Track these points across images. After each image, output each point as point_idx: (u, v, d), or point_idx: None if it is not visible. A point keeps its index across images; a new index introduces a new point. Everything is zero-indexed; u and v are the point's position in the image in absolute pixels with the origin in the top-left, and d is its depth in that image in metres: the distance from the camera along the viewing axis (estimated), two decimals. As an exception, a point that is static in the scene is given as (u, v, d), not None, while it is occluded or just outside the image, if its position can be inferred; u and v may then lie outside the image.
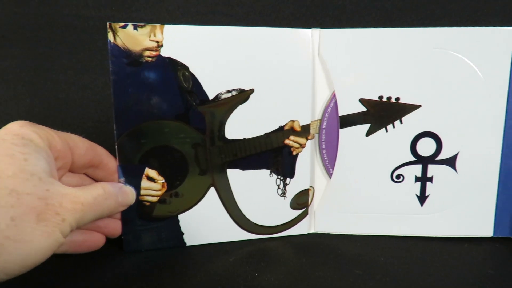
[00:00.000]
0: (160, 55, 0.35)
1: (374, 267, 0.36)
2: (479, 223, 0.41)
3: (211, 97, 0.37)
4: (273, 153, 0.39)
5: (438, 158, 0.40)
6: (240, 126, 0.38)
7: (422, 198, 0.41)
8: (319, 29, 0.38)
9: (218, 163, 0.38)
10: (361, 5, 0.46)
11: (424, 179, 0.41)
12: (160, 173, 0.37)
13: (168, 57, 0.35)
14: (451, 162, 0.40)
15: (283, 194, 0.40)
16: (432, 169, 0.40)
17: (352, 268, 0.36)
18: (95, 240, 0.35)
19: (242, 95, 0.37)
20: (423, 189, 0.41)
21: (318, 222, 0.42)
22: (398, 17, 0.47)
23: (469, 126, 0.39)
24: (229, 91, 0.37)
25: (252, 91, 0.38)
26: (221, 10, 0.46)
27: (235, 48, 0.36)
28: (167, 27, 0.35)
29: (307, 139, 0.40)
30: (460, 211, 0.41)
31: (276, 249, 0.39)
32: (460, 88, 0.39)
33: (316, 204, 0.42)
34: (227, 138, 0.38)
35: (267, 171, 0.39)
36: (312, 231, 0.43)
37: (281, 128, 0.39)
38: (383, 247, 0.39)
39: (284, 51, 0.38)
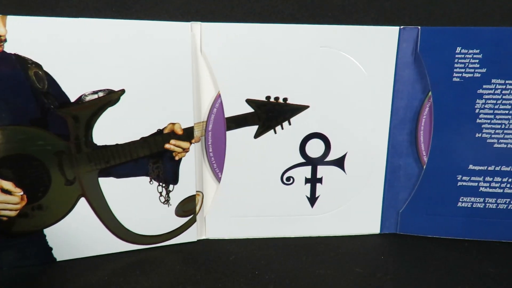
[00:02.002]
0: (4, 51, 0.30)
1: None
2: (367, 221, 0.41)
3: (72, 99, 0.33)
4: (152, 159, 0.36)
5: (327, 159, 0.40)
6: (111, 130, 0.34)
7: (312, 199, 0.41)
8: (199, 22, 0.35)
9: (88, 172, 0.34)
10: (360, 5, 0.44)
11: (314, 181, 0.40)
12: (17, 185, 0.33)
13: (14, 54, 0.30)
14: (339, 162, 0.40)
15: (167, 201, 0.38)
16: (321, 170, 0.40)
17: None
18: None
19: (111, 96, 0.34)
20: (313, 190, 0.40)
21: (209, 228, 0.41)
22: (398, 17, 0.46)
23: (356, 126, 0.39)
24: (95, 92, 0.33)
25: (122, 91, 0.34)
26: (221, 10, 0.44)
27: (101, 43, 0.32)
28: (10, 18, 0.30)
29: (191, 143, 0.37)
30: (349, 210, 0.41)
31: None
32: (347, 87, 0.38)
33: (206, 209, 0.40)
34: (96, 144, 0.34)
35: (147, 178, 0.36)
36: (203, 237, 0.41)
37: (160, 131, 0.36)
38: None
39: (160, 47, 0.34)
